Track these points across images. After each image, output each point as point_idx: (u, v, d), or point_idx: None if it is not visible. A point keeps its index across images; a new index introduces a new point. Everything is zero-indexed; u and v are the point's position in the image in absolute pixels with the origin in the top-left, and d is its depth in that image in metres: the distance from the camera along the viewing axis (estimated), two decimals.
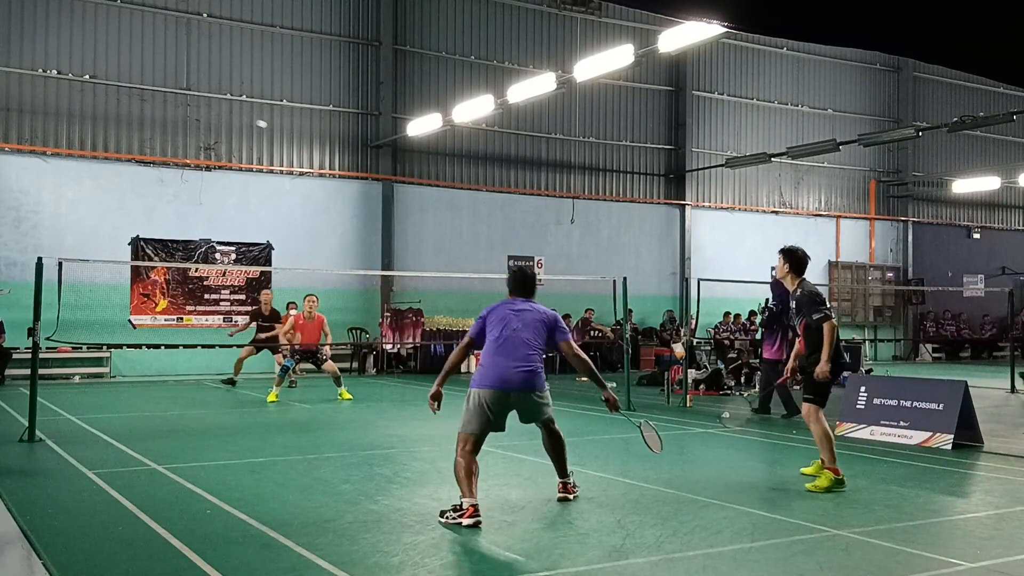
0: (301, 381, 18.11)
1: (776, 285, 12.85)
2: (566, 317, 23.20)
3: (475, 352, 7.55)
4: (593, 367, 7.25)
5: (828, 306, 7.84)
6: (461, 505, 6.55)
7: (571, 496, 7.28)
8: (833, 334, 7.67)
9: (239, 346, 20.25)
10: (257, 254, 21.19)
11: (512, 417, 7.06)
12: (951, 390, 10.46)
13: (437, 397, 6.94)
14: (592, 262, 24.66)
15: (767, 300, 13.34)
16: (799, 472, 8.29)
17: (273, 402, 14.72)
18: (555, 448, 7.33)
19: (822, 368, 7.62)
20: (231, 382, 17.76)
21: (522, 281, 7.31)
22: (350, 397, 15.19)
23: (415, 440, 10.52)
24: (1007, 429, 11.92)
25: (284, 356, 16.19)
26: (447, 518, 6.53)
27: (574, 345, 7.18)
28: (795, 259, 8.03)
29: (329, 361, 15.64)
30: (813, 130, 28.26)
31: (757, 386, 17.17)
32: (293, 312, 16.95)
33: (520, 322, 6.99)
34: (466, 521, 6.42)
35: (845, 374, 17.67)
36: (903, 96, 30.25)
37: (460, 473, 6.67)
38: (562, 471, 7.37)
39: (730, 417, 12.51)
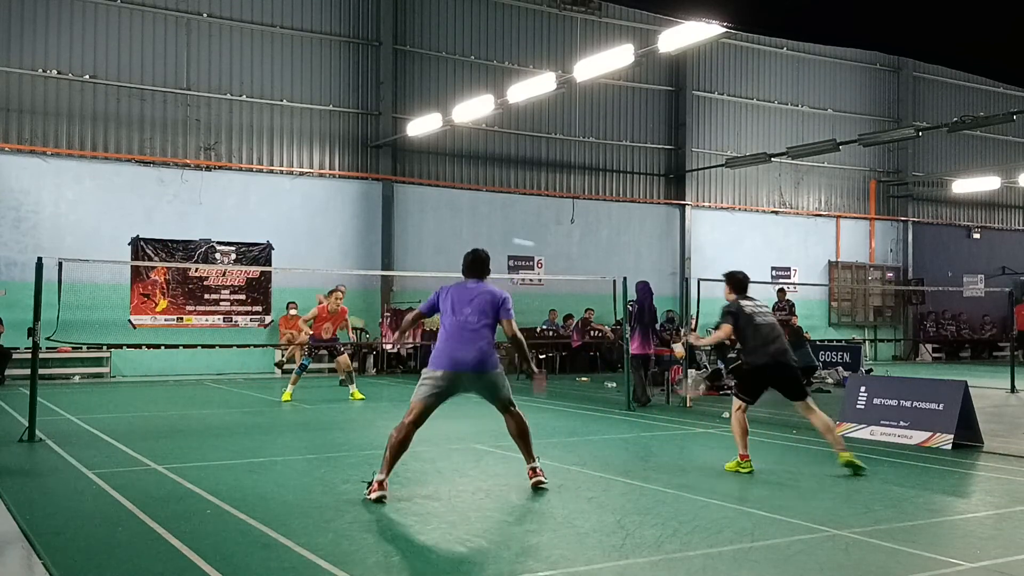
0: (302, 380, 17.99)
1: (639, 288, 14.40)
2: (568, 318, 23.27)
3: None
4: (524, 347, 7.82)
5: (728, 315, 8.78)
6: (372, 480, 7.12)
7: (544, 480, 7.53)
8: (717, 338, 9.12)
9: (239, 346, 20.30)
10: (257, 254, 21.19)
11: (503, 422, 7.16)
12: (951, 390, 10.46)
13: (397, 342, 7.70)
14: (592, 262, 24.66)
15: (631, 302, 14.46)
16: (805, 476, 8.47)
17: (287, 401, 14.61)
18: (520, 433, 7.61)
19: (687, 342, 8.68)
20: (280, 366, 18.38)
21: (473, 263, 7.77)
22: (362, 397, 15.08)
23: (415, 440, 10.49)
24: (1007, 429, 11.92)
25: (303, 354, 16.17)
26: (365, 494, 7.09)
27: (514, 324, 7.58)
28: (735, 281, 9.03)
29: (344, 356, 15.63)
30: (813, 130, 28.26)
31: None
32: (322, 300, 16.47)
33: (470, 306, 7.42)
34: (372, 496, 6.97)
35: (846, 374, 17.80)
36: (903, 96, 30.25)
37: (391, 444, 7.22)
38: (529, 456, 7.62)
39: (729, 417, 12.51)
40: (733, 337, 8.82)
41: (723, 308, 8.89)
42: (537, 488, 7.49)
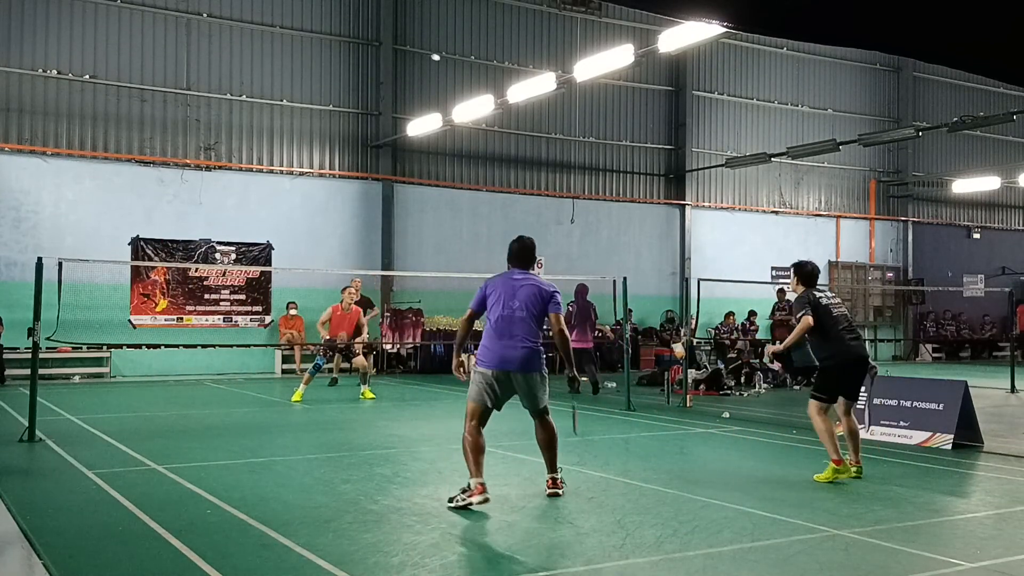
0: (324, 381, 17.89)
1: (576, 290, 16.96)
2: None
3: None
4: (569, 346, 7.38)
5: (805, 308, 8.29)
6: (469, 486, 6.80)
7: (560, 492, 7.34)
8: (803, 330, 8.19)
9: (239, 346, 20.30)
10: (257, 254, 21.19)
11: (511, 416, 7.09)
12: (951, 390, 10.46)
13: (460, 366, 7.32)
14: (592, 262, 24.66)
15: (570, 303, 16.70)
16: (812, 478, 8.17)
17: (297, 401, 14.51)
18: (548, 442, 7.42)
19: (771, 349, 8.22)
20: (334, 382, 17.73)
21: (520, 252, 7.41)
22: (373, 396, 15.07)
23: (415, 440, 10.53)
24: (1007, 429, 11.92)
25: (317, 353, 16.09)
26: (456, 501, 6.78)
27: (562, 320, 7.29)
28: (804, 273, 8.60)
29: (361, 356, 15.58)
30: (813, 130, 28.25)
31: (757, 385, 17.23)
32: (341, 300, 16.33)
33: (518, 300, 7.11)
34: (476, 499, 6.70)
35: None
36: (903, 96, 30.25)
37: (467, 450, 6.98)
38: (552, 466, 7.45)
39: (730, 417, 12.53)
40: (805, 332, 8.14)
41: (797, 299, 8.37)
42: (551, 496, 7.32)
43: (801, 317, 8.14)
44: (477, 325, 7.78)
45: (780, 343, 9.04)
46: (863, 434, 10.66)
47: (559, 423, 7.60)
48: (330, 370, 17.77)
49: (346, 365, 17.12)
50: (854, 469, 8.14)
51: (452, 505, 6.78)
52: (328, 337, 15.36)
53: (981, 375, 20.49)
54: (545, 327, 7.42)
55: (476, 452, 6.94)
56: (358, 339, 15.58)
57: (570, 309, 16.53)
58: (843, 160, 28.38)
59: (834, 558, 5.69)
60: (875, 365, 8.73)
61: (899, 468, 8.92)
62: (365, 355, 16.06)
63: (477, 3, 23.86)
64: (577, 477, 8.20)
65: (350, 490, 7.59)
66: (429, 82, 23.26)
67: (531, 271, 7.42)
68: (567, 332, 7.35)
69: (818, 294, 8.33)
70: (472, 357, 7.59)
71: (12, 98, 19.15)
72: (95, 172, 19.81)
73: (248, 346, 20.53)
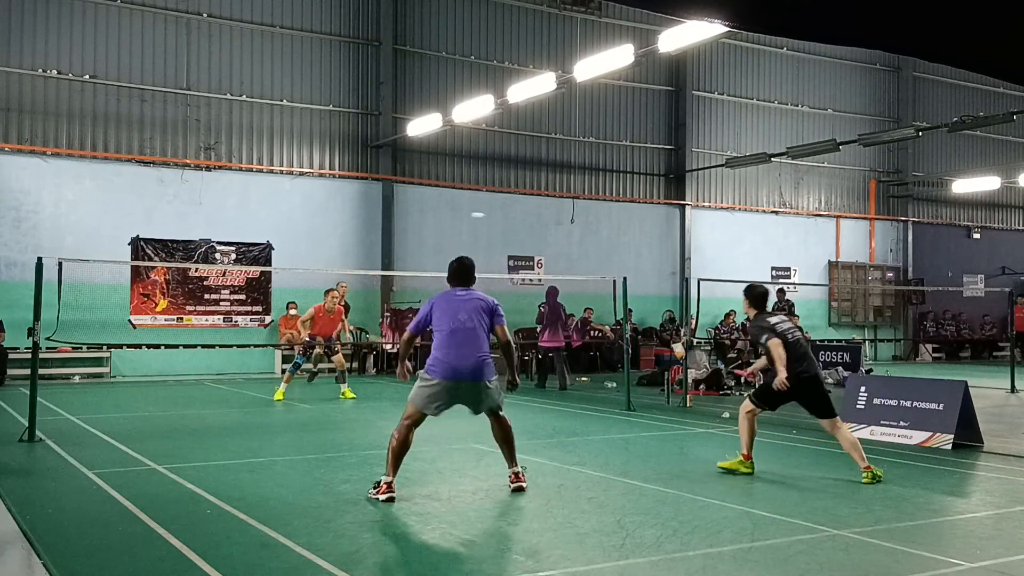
0: (303, 380, 17.99)
1: (547, 292, 17.71)
2: (569, 316, 23.24)
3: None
4: (514, 355, 7.77)
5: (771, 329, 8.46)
6: (379, 482, 7.23)
7: (524, 485, 7.54)
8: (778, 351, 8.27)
9: (239, 346, 20.30)
10: (257, 254, 21.19)
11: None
12: (951, 390, 10.46)
13: (404, 372, 7.61)
14: (592, 262, 24.66)
15: (541, 304, 17.75)
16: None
17: (279, 400, 14.65)
18: (505, 438, 7.63)
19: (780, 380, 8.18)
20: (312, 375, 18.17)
21: (459, 271, 7.83)
22: (353, 396, 15.15)
23: (415, 440, 10.49)
24: (1007, 429, 11.92)
25: (297, 352, 16.13)
26: (370, 494, 7.19)
27: (507, 330, 7.66)
28: (754, 295, 8.94)
29: (339, 355, 15.61)
30: (813, 130, 28.25)
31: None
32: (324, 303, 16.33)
33: (464, 313, 7.44)
34: (381, 497, 7.10)
35: (845, 374, 17.79)
36: (903, 96, 30.25)
37: (392, 447, 7.31)
38: (512, 460, 7.64)
39: (729, 417, 12.51)
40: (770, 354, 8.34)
41: (756, 326, 8.64)
42: (515, 491, 7.48)
43: (768, 341, 8.31)
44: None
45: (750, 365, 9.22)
46: (864, 433, 10.69)
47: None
48: (308, 370, 17.83)
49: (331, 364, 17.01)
50: (867, 475, 8.06)
51: (369, 496, 7.19)
52: (309, 336, 15.40)
53: (981, 375, 20.48)
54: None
55: (402, 451, 7.31)
56: (339, 341, 15.64)
57: (542, 310, 17.58)
58: (843, 160, 28.38)
59: (834, 558, 5.69)
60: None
61: (899, 468, 8.92)
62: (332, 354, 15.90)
63: (477, 3, 23.85)
64: (577, 477, 8.20)
65: (350, 490, 7.59)
66: (429, 82, 23.26)
67: (471, 288, 7.75)
68: (511, 340, 7.72)
69: (773, 320, 8.60)
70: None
71: (12, 98, 19.14)
72: (95, 172, 19.81)
73: (248, 346, 20.52)
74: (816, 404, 8.40)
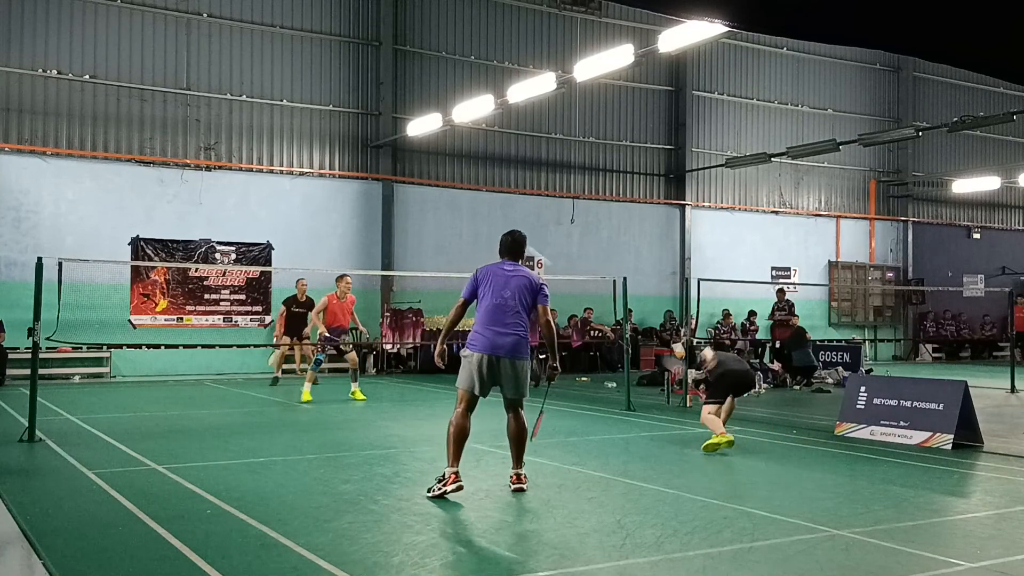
0: (301, 380, 17.96)
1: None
2: (571, 317, 23.25)
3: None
4: (555, 337, 7.65)
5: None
6: (444, 475, 7.13)
7: (525, 487, 7.51)
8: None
9: (239, 346, 20.30)
10: (257, 254, 21.19)
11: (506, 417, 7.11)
12: (951, 390, 10.46)
13: (442, 355, 7.49)
14: (592, 262, 24.66)
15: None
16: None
17: (307, 401, 14.39)
18: (518, 436, 7.60)
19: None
20: (275, 382, 17.73)
21: (511, 245, 7.75)
22: (363, 398, 14.84)
23: (415, 440, 10.52)
24: (1007, 429, 11.92)
25: (314, 350, 15.98)
26: (432, 491, 7.10)
27: (549, 311, 7.57)
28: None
29: (352, 352, 15.42)
30: (813, 130, 28.26)
31: (757, 386, 17.22)
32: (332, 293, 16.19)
33: (509, 289, 7.40)
34: (449, 488, 7.01)
35: (845, 374, 17.80)
36: (903, 96, 30.25)
37: (451, 436, 7.26)
38: (518, 461, 7.61)
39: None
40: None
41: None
42: (516, 492, 7.45)
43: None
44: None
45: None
46: (864, 433, 10.71)
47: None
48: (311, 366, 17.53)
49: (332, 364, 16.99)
50: (725, 440, 9.54)
51: (430, 495, 7.06)
52: (325, 327, 14.84)
53: (981, 375, 20.48)
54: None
55: (460, 438, 7.24)
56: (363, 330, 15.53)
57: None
58: (843, 160, 28.38)
59: (834, 558, 5.68)
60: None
61: (899, 468, 8.92)
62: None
63: (477, 3, 23.86)
64: (577, 477, 8.20)
65: (350, 490, 7.58)
66: (429, 82, 23.26)
67: (519, 264, 7.68)
68: (553, 322, 7.65)
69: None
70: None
71: (12, 98, 19.14)
72: (95, 172, 19.81)
73: (248, 346, 20.52)
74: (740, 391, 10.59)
